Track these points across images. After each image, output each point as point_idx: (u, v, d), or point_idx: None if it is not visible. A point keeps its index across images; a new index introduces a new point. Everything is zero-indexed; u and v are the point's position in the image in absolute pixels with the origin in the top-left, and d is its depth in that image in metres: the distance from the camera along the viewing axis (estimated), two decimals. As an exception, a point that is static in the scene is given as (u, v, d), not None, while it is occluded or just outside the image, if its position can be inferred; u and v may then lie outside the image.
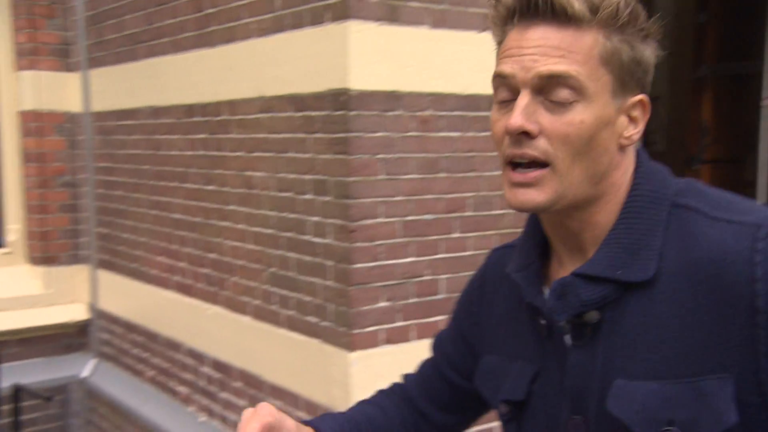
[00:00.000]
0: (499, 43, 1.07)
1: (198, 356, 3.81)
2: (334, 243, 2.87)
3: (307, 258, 3.01)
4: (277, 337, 3.21)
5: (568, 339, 1.08)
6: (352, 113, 2.74)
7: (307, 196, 2.98)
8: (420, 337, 2.98)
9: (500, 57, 1.05)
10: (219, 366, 3.63)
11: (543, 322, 1.10)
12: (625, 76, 1.01)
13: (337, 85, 2.76)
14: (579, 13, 0.97)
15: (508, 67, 1.01)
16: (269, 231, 3.22)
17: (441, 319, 2.97)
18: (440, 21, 2.91)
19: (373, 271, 2.85)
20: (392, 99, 2.83)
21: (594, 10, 0.97)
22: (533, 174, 1.00)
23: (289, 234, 3.10)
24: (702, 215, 1.01)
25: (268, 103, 3.17)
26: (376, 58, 2.78)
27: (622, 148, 1.04)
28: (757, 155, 5.24)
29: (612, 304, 1.02)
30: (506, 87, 1.02)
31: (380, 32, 2.76)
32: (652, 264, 0.99)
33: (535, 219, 1.16)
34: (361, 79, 2.75)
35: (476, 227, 3.07)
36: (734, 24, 5.59)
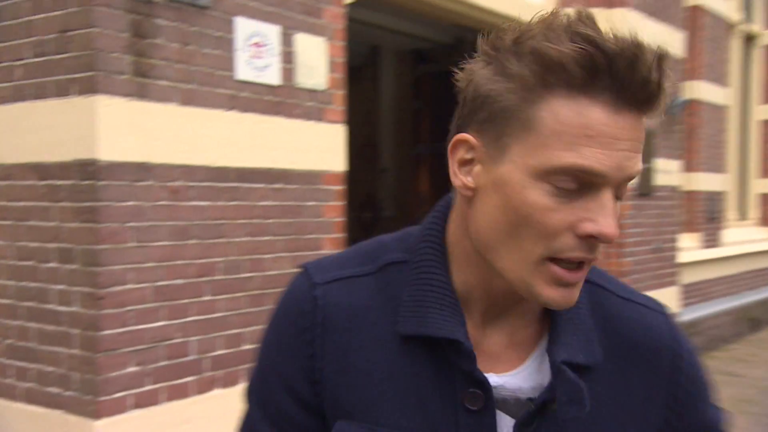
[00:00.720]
0: (563, 112, 0.75)
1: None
2: (80, 311, 2.62)
3: (50, 327, 2.71)
4: (13, 412, 2.86)
5: (507, 422, 0.85)
6: (101, 183, 2.55)
7: (51, 264, 2.70)
8: (170, 399, 2.80)
9: (575, 138, 0.74)
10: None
11: (479, 395, 0.84)
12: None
13: (85, 155, 2.56)
14: (659, 105, 0.76)
15: (596, 163, 0.73)
16: (7, 301, 2.88)
17: (191, 380, 2.81)
18: (189, 99, 2.81)
19: (121, 337, 2.64)
20: (142, 170, 2.67)
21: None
22: (582, 273, 0.81)
23: (29, 303, 2.79)
24: (611, 293, 0.93)
25: (6, 171, 2.86)
26: (126, 130, 2.62)
27: None
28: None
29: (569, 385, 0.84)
30: (576, 179, 0.75)
31: (129, 107, 2.61)
32: (599, 350, 0.88)
33: (445, 276, 0.88)
34: (109, 150, 2.57)
35: (226, 290, 2.95)
36: (444, 110, 5.98)
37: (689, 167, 7.79)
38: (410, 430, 0.85)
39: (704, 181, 7.88)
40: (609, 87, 0.73)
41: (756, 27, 9.35)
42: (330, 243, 3.27)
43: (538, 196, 0.76)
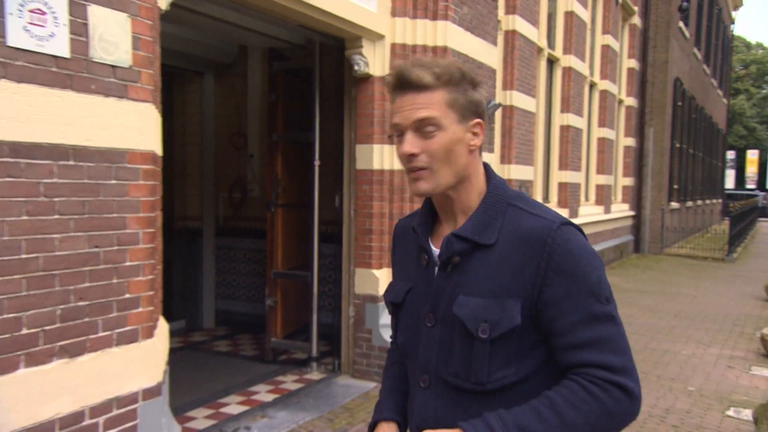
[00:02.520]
0: (392, 103, 1.21)
1: None
2: None
3: None
4: None
5: (436, 270, 1.23)
6: None
7: None
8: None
9: (392, 113, 1.20)
10: None
11: (426, 257, 1.25)
12: (464, 111, 1.18)
13: None
14: (429, 83, 1.15)
15: (397, 118, 1.18)
16: None
17: None
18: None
19: None
20: None
21: (437, 78, 1.16)
22: (421, 173, 1.17)
23: None
24: (524, 211, 1.20)
25: None
26: None
27: (471, 152, 1.21)
28: (314, 202, 5.07)
29: (467, 254, 1.19)
30: (397, 130, 1.19)
31: None
32: (494, 236, 1.18)
33: (429, 200, 1.29)
34: None
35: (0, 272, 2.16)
36: (295, 103, 5.35)
37: (506, 160, 7.70)
38: (406, 279, 1.30)
39: (516, 172, 7.78)
40: (398, 88, 1.18)
41: (557, 53, 9.37)
42: (136, 222, 2.52)
43: (396, 145, 1.21)
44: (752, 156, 39.74)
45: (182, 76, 6.43)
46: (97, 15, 2.30)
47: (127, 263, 2.48)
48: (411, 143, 1.15)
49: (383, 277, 4.71)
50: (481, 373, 1.14)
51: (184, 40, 5.70)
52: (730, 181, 34.32)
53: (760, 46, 51.76)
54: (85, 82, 2.28)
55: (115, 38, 2.36)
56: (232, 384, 4.69)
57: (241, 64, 6.39)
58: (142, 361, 2.53)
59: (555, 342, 1.13)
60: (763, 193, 33.66)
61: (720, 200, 25.84)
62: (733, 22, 26.49)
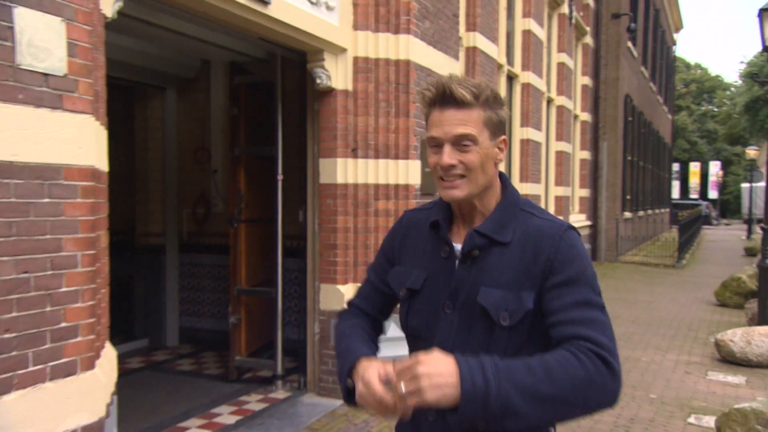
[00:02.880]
0: (426, 116, 1.29)
1: None
2: None
3: None
4: None
5: (457, 262, 1.30)
6: None
7: None
8: None
9: (431, 126, 1.26)
10: None
11: (447, 248, 1.32)
12: (495, 129, 1.27)
13: None
14: (469, 100, 1.22)
15: (436, 131, 1.25)
16: None
17: None
18: None
19: None
20: None
21: (476, 98, 1.23)
22: (456, 182, 1.26)
23: None
24: (535, 216, 1.30)
25: None
26: None
27: (496, 165, 1.30)
28: (277, 217, 4.79)
29: (486, 249, 1.27)
30: (435, 142, 1.26)
31: None
32: (510, 235, 1.27)
33: (444, 202, 1.35)
34: None
35: None
36: (257, 117, 5.06)
37: None
38: (419, 267, 1.35)
39: None
40: (439, 102, 1.24)
41: (516, 70, 9.31)
42: (74, 244, 2.20)
43: (429, 154, 1.29)
44: (695, 168, 40.77)
45: (143, 91, 6.08)
46: (25, 18, 1.99)
47: (63, 289, 2.16)
48: (449, 155, 1.24)
49: (348, 292, 4.44)
50: (497, 357, 1.15)
51: (144, 54, 5.37)
52: (675, 191, 35.08)
53: (698, 66, 53.36)
54: (11, 92, 1.97)
55: (46, 44, 2.06)
56: (194, 406, 4.34)
57: (203, 78, 6.08)
58: (82, 396, 2.21)
59: (551, 318, 1.20)
60: (705, 202, 34.48)
61: (667, 209, 26.31)
62: (675, 44, 27.16)
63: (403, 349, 1.35)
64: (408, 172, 4.62)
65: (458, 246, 1.30)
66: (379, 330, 1.47)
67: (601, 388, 1.10)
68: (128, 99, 6.17)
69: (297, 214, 4.74)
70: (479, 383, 1.05)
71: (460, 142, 1.23)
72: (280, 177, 4.73)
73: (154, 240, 6.09)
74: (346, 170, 4.47)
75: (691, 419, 4.42)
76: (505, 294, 1.22)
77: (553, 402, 1.07)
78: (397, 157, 4.60)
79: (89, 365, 2.25)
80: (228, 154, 5.45)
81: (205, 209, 6.11)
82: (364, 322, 1.43)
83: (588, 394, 1.09)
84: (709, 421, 4.35)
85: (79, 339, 2.20)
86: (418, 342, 1.32)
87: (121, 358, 5.60)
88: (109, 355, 2.52)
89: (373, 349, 1.34)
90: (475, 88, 1.21)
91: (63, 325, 2.16)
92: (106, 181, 2.56)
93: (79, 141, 2.20)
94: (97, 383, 2.28)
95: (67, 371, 2.17)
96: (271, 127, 4.83)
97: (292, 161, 4.90)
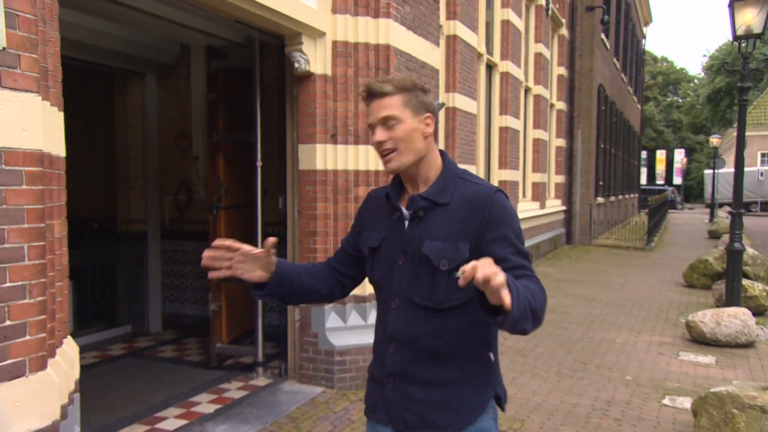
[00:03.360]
0: (367, 106, 1.48)
1: None
2: None
3: None
4: None
5: (406, 223, 1.49)
6: None
7: None
8: None
9: (369, 114, 1.47)
10: None
11: (398, 213, 1.50)
12: (417, 108, 1.45)
13: None
14: (388, 90, 1.43)
15: (370, 119, 1.46)
16: None
17: None
18: None
19: None
20: None
21: (395, 86, 1.44)
22: (390, 156, 1.45)
23: None
24: (470, 182, 1.48)
25: None
26: None
27: (425, 138, 1.46)
28: (257, 203, 4.50)
29: (430, 210, 1.46)
30: (371, 127, 1.46)
31: None
32: (449, 198, 1.45)
33: (397, 176, 1.54)
34: None
35: None
36: (236, 102, 4.74)
37: None
38: (378, 231, 1.54)
39: None
40: (368, 97, 1.46)
41: (495, 59, 9.03)
42: (19, 235, 1.90)
43: (371, 136, 1.47)
44: (661, 156, 40.89)
45: (123, 78, 5.70)
46: (-49, -18, 1.68)
47: (7, 284, 1.86)
48: (380, 134, 1.44)
49: (328, 279, 4.17)
50: (440, 296, 1.42)
51: (122, 39, 5.01)
52: (643, 178, 35.17)
53: (665, 59, 53.40)
54: (-62, 65, 1.66)
55: (-20, 13, 1.75)
56: (173, 395, 4.07)
57: (183, 64, 5.71)
58: (32, 399, 1.92)
59: (502, 264, 1.31)
60: (671, 188, 34.64)
61: (636, 195, 26.31)
62: (644, 37, 27.00)
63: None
64: (388, 158, 4.35)
65: (408, 211, 1.50)
66: (333, 275, 1.66)
67: (545, 295, 1.36)
68: (108, 86, 5.79)
69: (277, 200, 4.45)
70: (515, 289, 1.21)
71: (387, 123, 1.43)
72: (259, 163, 4.43)
73: (137, 227, 5.76)
74: (325, 156, 4.18)
75: (666, 401, 4.25)
76: (444, 245, 1.42)
77: (534, 312, 1.28)
78: (377, 143, 4.32)
79: (40, 365, 1.96)
80: (207, 140, 5.14)
81: (186, 196, 5.79)
82: (322, 265, 1.68)
83: (542, 300, 1.34)
84: (684, 402, 4.19)
85: (27, 338, 1.91)
86: (380, 290, 1.54)
87: (104, 345, 5.30)
88: (67, 352, 2.23)
89: (294, 266, 1.58)
90: (393, 80, 1.45)
91: (8, 323, 1.86)
92: (63, 167, 2.25)
93: (23, 122, 1.89)
94: (51, 384, 1.99)
95: (14, 373, 1.88)
96: (250, 113, 4.52)
97: (271, 147, 4.59)
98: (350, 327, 4.25)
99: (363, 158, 4.28)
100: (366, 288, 4.29)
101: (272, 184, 4.62)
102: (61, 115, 2.29)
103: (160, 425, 3.58)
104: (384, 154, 1.45)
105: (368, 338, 4.29)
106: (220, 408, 3.84)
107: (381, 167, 4.35)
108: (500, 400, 1.49)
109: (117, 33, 4.89)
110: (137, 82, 5.68)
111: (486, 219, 1.40)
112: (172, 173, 5.82)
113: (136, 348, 5.25)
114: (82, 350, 5.09)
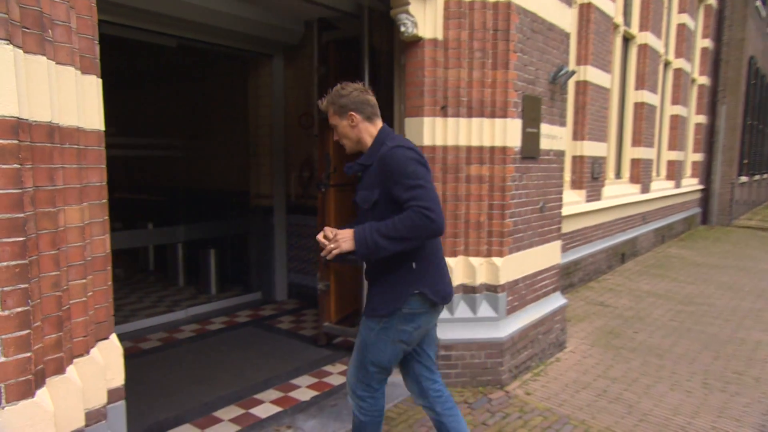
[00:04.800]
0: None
1: None
2: None
3: None
4: None
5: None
6: None
7: None
8: None
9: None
10: None
11: (355, 177, 1.86)
12: (342, 112, 1.99)
13: None
14: (326, 108, 2.02)
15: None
16: None
17: None
18: None
19: None
20: None
21: (328, 103, 2.01)
22: (344, 142, 2.03)
23: None
24: (385, 145, 1.89)
25: None
26: None
27: (354, 128, 1.98)
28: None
29: (365, 171, 1.95)
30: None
31: None
32: (372, 160, 1.92)
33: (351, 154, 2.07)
34: None
35: None
36: (347, 75, 3.89)
37: (579, 136, 5.89)
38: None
39: (589, 148, 5.94)
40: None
41: (633, 30, 7.18)
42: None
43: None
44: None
45: (255, 60, 5.17)
46: None
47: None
48: (335, 135, 2.04)
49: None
50: (373, 222, 1.86)
51: (250, 21, 4.43)
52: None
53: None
54: None
55: None
56: (276, 374, 3.45)
57: (308, 44, 5.00)
58: (12, 435, 1.28)
59: (402, 204, 1.81)
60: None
61: (782, 174, 21.28)
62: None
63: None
64: (506, 132, 3.22)
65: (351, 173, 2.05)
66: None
67: (422, 229, 1.77)
68: (244, 69, 5.31)
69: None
70: (362, 235, 1.83)
71: (334, 128, 2.02)
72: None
73: (266, 201, 5.28)
74: (434, 131, 3.19)
75: None
76: (366, 192, 1.93)
77: (399, 239, 1.79)
78: (493, 116, 3.21)
79: (24, 393, 1.30)
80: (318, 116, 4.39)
81: (309, 173, 5.15)
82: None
83: (415, 232, 1.77)
84: None
85: (1, 360, 1.24)
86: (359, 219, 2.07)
87: (235, 310, 4.92)
88: (96, 360, 1.58)
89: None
90: (328, 99, 2.02)
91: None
92: (95, 141, 1.56)
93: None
94: (40, 414, 1.33)
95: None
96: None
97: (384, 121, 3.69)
98: (457, 319, 3.28)
99: (476, 132, 3.21)
100: (476, 278, 3.27)
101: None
102: (93, 80, 1.58)
103: (254, 410, 2.96)
104: (341, 144, 2.04)
105: (477, 332, 3.29)
106: (317, 396, 3.13)
107: (498, 143, 3.25)
108: (425, 296, 1.94)
109: (244, 15, 4.31)
110: (267, 64, 5.11)
111: (385, 171, 1.86)
112: (297, 150, 5.22)
113: (260, 316, 4.79)
114: (215, 314, 4.77)
